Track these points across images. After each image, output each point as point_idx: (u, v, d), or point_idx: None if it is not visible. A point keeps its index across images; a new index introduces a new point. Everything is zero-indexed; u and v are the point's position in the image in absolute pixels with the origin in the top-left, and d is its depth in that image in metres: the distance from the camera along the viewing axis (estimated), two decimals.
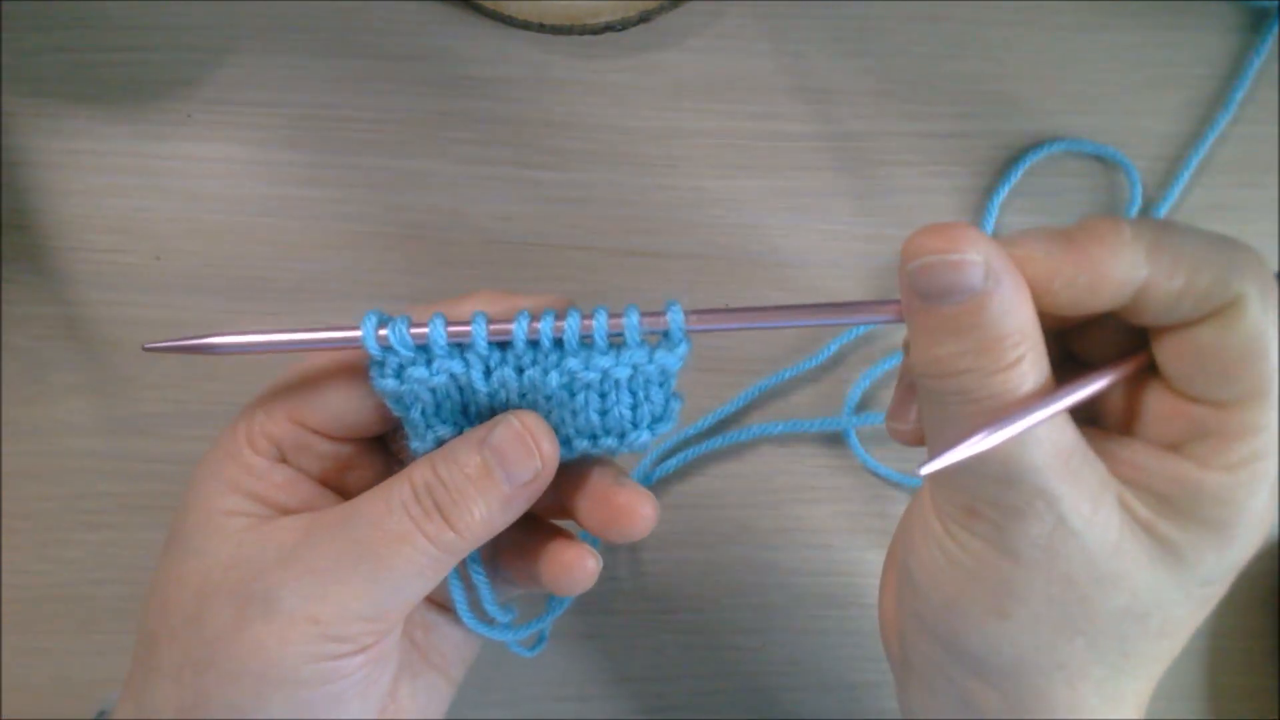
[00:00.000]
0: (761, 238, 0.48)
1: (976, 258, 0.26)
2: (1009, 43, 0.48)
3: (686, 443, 0.47)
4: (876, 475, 0.48)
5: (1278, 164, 0.48)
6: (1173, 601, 0.28)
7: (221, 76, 0.47)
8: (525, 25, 0.46)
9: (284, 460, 0.34)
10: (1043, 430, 0.27)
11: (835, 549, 0.49)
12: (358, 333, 0.30)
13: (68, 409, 0.47)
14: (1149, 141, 0.48)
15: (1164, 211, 0.48)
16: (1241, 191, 0.49)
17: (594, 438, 0.32)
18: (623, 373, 0.30)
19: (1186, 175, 0.48)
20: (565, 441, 0.32)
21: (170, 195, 0.47)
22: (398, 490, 0.31)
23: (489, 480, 0.30)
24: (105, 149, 0.47)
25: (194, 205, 0.47)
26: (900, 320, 0.29)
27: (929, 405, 0.29)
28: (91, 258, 0.47)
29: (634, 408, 0.31)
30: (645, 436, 0.32)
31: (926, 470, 0.28)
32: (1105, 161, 0.48)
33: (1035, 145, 0.48)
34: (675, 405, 0.32)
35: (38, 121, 0.46)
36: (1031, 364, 0.27)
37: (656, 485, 0.48)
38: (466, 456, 0.31)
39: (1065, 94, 0.48)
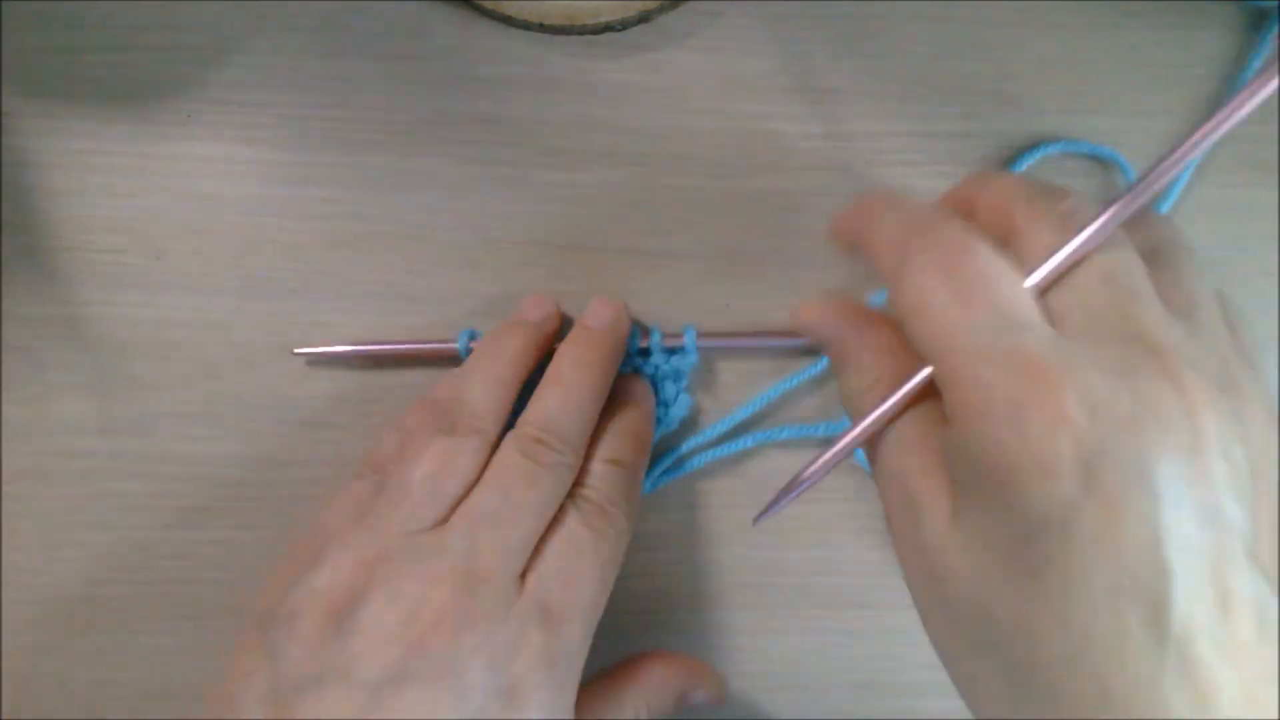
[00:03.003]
0: (762, 238, 0.48)
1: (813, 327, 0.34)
2: (1009, 43, 0.48)
3: (691, 454, 0.47)
4: None
5: (1277, 164, 0.48)
6: (1000, 596, 0.24)
7: (221, 76, 0.47)
8: (525, 25, 0.46)
9: None
10: (899, 430, 0.28)
11: (835, 549, 0.49)
12: (454, 345, 0.45)
13: (68, 409, 0.47)
14: (1149, 141, 0.48)
15: (1164, 211, 0.48)
16: (1241, 191, 0.49)
17: None
18: (649, 370, 0.45)
19: (1187, 175, 0.48)
20: None
21: (170, 195, 0.47)
22: None
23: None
24: (105, 149, 0.47)
25: (194, 205, 0.47)
26: None
27: None
28: (91, 258, 0.47)
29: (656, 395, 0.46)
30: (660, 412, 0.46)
31: (755, 520, 0.32)
32: (1104, 162, 0.48)
33: (1034, 145, 0.48)
34: (685, 399, 0.45)
35: (38, 121, 0.46)
36: (881, 383, 0.30)
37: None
38: None
39: (1065, 94, 0.48)
